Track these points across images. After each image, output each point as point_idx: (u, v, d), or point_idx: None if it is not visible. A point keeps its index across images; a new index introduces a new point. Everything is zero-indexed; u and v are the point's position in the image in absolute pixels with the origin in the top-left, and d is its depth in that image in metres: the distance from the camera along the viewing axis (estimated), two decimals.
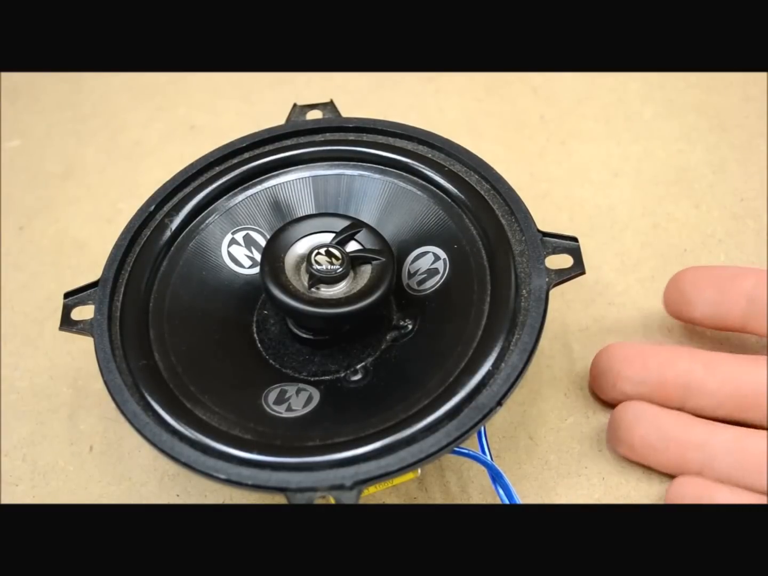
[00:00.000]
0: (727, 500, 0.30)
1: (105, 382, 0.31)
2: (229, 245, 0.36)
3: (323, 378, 0.34)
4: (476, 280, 0.33)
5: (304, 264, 0.34)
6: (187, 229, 0.36)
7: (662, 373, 0.33)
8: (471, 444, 0.32)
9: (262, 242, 0.36)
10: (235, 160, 0.37)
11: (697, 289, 0.35)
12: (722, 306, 0.34)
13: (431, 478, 0.35)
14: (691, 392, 0.33)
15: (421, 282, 0.35)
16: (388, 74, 0.51)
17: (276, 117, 0.39)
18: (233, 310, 0.35)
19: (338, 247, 0.34)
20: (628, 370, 0.34)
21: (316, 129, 0.38)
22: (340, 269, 0.33)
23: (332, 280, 0.33)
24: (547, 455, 0.35)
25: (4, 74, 0.53)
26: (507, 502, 0.31)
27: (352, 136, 0.38)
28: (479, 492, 0.35)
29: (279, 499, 0.34)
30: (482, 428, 0.31)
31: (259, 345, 0.35)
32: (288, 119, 0.39)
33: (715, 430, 0.32)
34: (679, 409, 0.33)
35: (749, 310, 0.33)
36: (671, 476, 0.33)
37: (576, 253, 0.33)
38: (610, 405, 0.35)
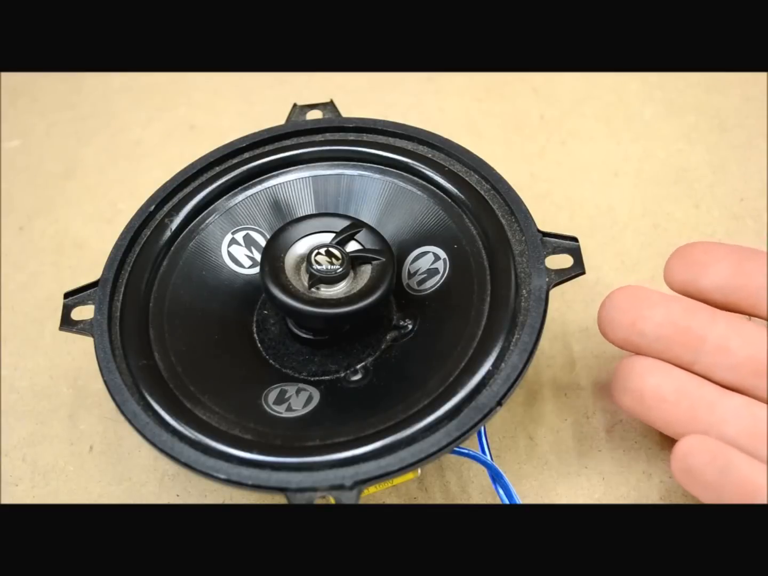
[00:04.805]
0: (744, 466, 0.29)
1: (105, 382, 0.31)
2: (229, 245, 0.36)
3: (323, 378, 0.34)
4: (476, 280, 0.33)
5: (304, 264, 0.34)
6: (187, 229, 0.36)
7: (685, 319, 0.32)
8: (471, 444, 0.32)
9: (262, 242, 0.36)
10: (235, 160, 0.37)
11: (712, 258, 0.33)
12: (737, 278, 0.32)
13: (431, 478, 0.35)
14: (709, 346, 0.32)
15: (421, 282, 0.35)
16: (388, 74, 0.51)
17: (276, 117, 0.39)
18: (233, 310, 0.35)
19: (338, 247, 0.34)
20: (650, 310, 0.32)
21: (316, 129, 0.38)
22: (340, 269, 0.33)
23: (332, 280, 0.33)
24: (547, 455, 0.35)
25: (4, 74, 0.53)
26: (507, 502, 0.31)
27: (352, 136, 0.38)
28: (479, 492, 0.35)
29: (279, 499, 0.34)
30: (482, 428, 0.31)
31: (259, 345, 0.35)
32: (288, 119, 0.39)
33: (726, 393, 0.31)
34: (689, 367, 0.32)
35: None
36: (671, 442, 0.32)
37: (576, 253, 0.33)
38: (617, 348, 0.34)
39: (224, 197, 0.37)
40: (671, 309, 0.32)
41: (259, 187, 0.37)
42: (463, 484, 0.35)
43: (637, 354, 0.33)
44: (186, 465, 0.29)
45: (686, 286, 0.33)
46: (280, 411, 0.32)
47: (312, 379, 0.34)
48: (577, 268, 0.32)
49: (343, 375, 0.34)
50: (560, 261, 0.32)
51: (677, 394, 0.31)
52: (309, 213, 0.36)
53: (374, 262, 0.34)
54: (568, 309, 0.40)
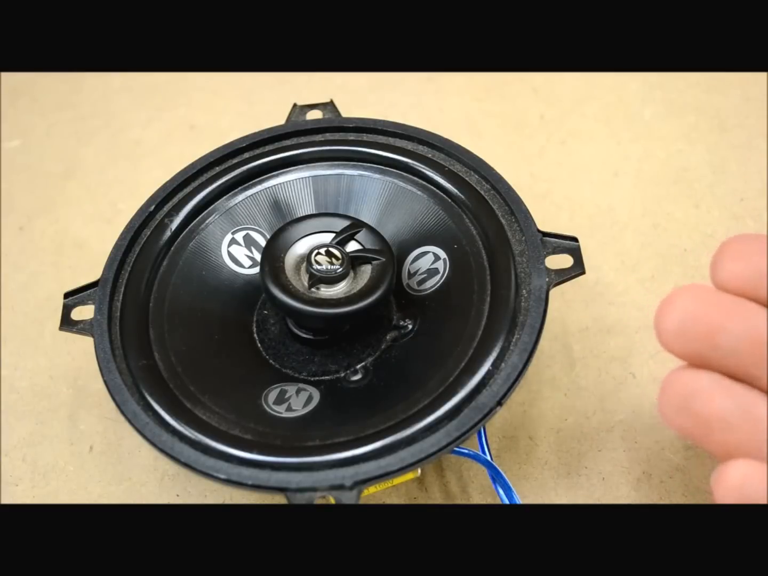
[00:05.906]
0: None
1: (105, 382, 0.31)
2: (229, 245, 0.36)
3: (323, 378, 0.34)
4: (476, 280, 0.33)
5: (304, 264, 0.34)
6: (187, 229, 0.36)
7: (761, 331, 0.27)
8: (471, 444, 0.32)
9: (262, 242, 0.36)
10: (235, 160, 0.37)
11: None
12: None
13: (431, 478, 0.35)
14: None
15: (421, 282, 0.35)
16: (388, 74, 0.51)
17: (276, 117, 0.39)
18: (233, 310, 0.35)
19: (338, 247, 0.34)
20: (730, 322, 0.27)
21: (316, 129, 0.38)
22: (340, 269, 0.33)
23: (332, 280, 0.33)
24: (547, 455, 0.35)
25: (4, 74, 0.53)
26: (507, 502, 0.31)
27: (352, 136, 0.38)
28: (479, 492, 0.35)
29: (279, 499, 0.34)
30: (482, 428, 0.31)
31: (259, 345, 0.35)
32: (288, 119, 0.39)
33: None
34: (753, 381, 0.28)
35: None
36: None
37: (576, 253, 0.33)
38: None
39: (224, 197, 0.37)
40: (749, 319, 0.27)
41: (259, 187, 0.37)
42: (463, 484, 0.35)
43: (696, 367, 0.28)
44: (186, 465, 0.29)
45: (746, 291, 0.28)
46: (280, 411, 0.32)
47: (312, 379, 0.34)
48: (577, 268, 0.32)
49: (343, 375, 0.34)
50: (560, 261, 0.32)
51: (742, 416, 0.27)
52: (309, 213, 0.36)
53: (374, 262, 0.34)
54: (568, 309, 0.40)
